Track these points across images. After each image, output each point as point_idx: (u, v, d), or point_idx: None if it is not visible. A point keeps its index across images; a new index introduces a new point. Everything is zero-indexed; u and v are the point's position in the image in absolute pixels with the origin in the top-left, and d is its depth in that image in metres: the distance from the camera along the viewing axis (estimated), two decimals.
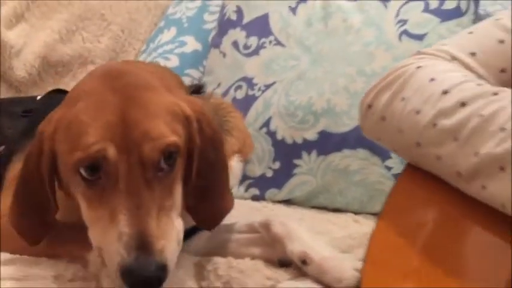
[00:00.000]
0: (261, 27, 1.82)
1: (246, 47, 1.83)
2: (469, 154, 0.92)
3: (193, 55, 2.02)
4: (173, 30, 2.08)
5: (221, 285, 1.22)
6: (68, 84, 2.08)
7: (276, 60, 1.75)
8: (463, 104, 0.94)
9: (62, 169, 1.13)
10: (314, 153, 1.63)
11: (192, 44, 2.03)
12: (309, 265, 1.20)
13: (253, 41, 1.82)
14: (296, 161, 1.66)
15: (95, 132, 1.06)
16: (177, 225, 1.10)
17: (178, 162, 1.11)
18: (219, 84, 1.85)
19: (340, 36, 1.68)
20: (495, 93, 0.94)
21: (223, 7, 1.96)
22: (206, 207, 1.20)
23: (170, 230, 1.07)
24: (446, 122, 0.95)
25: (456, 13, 1.62)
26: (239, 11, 1.89)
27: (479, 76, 1.02)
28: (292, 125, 1.66)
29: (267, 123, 1.70)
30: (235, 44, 1.85)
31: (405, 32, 1.62)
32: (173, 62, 2.00)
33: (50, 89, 2.05)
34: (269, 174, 1.69)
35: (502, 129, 0.89)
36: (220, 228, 1.34)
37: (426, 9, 1.63)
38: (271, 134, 1.69)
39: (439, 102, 0.97)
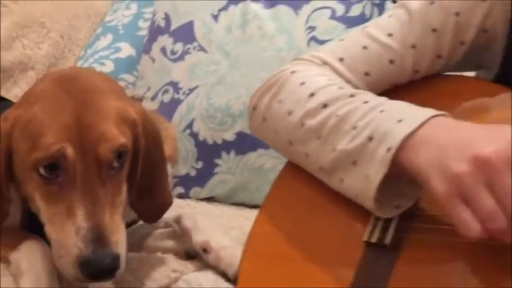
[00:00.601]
0: (186, 33, 1.92)
1: (172, 52, 1.92)
2: (329, 150, 1.01)
3: (128, 60, 2.10)
4: (109, 37, 2.16)
5: (132, 278, 1.31)
6: (9, 89, 2.16)
7: (199, 65, 1.85)
8: (324, 106, 1.04)
9: (19, 167, 1.19)
10: (232, 153, 1.74)
11: (126, 50, 2.11)
12: (209, 253, 1.30)
13: (179, 47, 1.92)
14: (217, 161, 1.76)
15: (54, 133, 1.13)
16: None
17: (126, 161, 1.20)
18: (149, 88, 1.94)
19: (256, 42, 1.78)
20: (352, 95, 1.03)
21: (154, 14, 2.05)
22: (149, 202, 1.29)
23: (121, 225, 1.16)
24: (311, 122, 1.04)
25: (361, 19, 1.71)
26: (167, 18, 1.98)
27: (346, 79, 1.11)
28: (212, 126, 1.76)
29: (190, 125, 1.80)
30: (163, 50, 1.95)
31: (313, 38, 1.73)
32: (108, 67, 2.08)
33: None
34: (193, 173, 1.78)
35: (354, 127, 0.99)
36: (140, 225, 1.45)
37: (333, 17, 1.73)
38: (194, 135, 1.79)
39: (306, 103, 1.06)
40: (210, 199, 1.77)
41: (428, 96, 1.09)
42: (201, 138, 1.78)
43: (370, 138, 0.96)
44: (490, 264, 0.89)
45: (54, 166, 1.13)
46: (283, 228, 1.07)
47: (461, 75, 1.11)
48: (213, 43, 1.85)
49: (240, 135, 1.73)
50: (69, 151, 1.12)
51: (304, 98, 1.07)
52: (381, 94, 1.09)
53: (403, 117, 0.95)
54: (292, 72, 1.12)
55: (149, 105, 1.89)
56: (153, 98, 1.91)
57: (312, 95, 1.06)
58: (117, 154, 1.16)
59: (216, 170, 1.76)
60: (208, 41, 1.87)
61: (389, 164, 0.93)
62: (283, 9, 1.79)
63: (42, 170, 1.14)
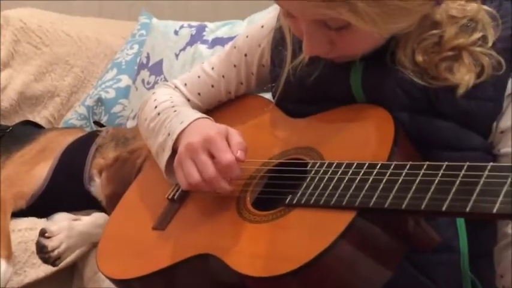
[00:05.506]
0: (157, 69, 2.52)
1: (148, 83, 2.53)
2: (155, 143, 1.52)
3: (126, 89, 2.70)
4: (114, 71, 2.77)
5: None
6: (40, 112, 2.82)
7: None
8: (158, 114, 1.55)
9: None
10: None
11: (125, 81, 2.72)
12: None
13: (152, 79, 2.52)
14: None
15: None
16: None
17: None
18: (132, 110, 2.55)
19: None
20: (172, 107, 1.54)
21: (141, 53, 2.67)
22: None
23: None
24: (151, 124, 1.56)
25: None
26: (148, 57, 2.59)
27: (187, 98, 1.62)
28: None
29: None
30: (143, 81, 2.55)
31: None
32: (111, 94, 2.69)
33: (28, 115, 2.82)
34: None
35: (165, 127, 1.49)
36: None
37: None
38: None
39: (151, 113, 1.58)
40: None
41: (235, 106, 1.62)
42: None
43: (169, 134, 1.48)
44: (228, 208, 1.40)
45: None
46: (136, 195, 1.62)
47: (251, 94, 1.63)
48: (172, 76, 2.44)
49: None
50: None
51: (152, 109, 1.61)
52: (213, 108, 1.65)
53: (183, 120, 1.47)
54: (153, 93, 1.68)
55: (132, 123, 2.50)
56: (134, 118, 2.51)
57: (155, 107, 1.60)
58: None
59: None
60: (170, 74, 2.46)
61: (171, 150, 1.46)
62: (218, 49, 2.36)
63: None
